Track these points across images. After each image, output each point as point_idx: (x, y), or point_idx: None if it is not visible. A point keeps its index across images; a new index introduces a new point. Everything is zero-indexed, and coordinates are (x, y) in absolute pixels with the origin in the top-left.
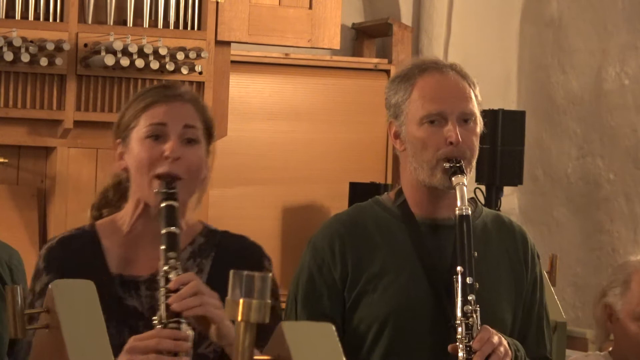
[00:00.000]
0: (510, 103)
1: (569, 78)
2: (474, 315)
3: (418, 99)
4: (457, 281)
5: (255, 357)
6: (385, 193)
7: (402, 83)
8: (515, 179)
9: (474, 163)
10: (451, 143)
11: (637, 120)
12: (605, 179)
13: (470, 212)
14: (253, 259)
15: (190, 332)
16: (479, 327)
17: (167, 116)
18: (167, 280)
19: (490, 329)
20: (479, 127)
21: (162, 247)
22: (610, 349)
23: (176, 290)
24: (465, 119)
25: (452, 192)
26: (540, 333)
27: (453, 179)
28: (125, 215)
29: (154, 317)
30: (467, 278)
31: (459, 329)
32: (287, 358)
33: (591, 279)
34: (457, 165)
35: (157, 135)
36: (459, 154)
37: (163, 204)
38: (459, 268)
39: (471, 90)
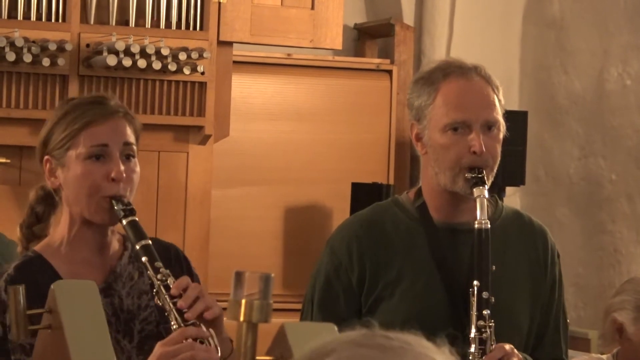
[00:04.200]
0: (512, 103)
1: (571, 78)
2: (488, 331)
3: (442, 106)
4: (472, 295)
5: (258, 358)
6: (405, 192)
7: (425, 86)
8: (517, 180)
9: (495, 169)
10: (475, 152)
11: (639, 121)
12: (607, 179)
13: (489, 226)
14: (180, 257)
15: (211, 330)
16: (493, 342)
17: (108, 136)
18: (167, 288)
19: (504, 346)
20: (502, 132)
21: (144, 258)
22: (614, 351)
23: (179, 295)
24: (489, 126)
25: (472, 197)
26: (556, 335)
27: (474, 190)
28: (61, 233)
29: (172, 322)
30: (483, 293)
31: (472, 345)
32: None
33: (593, 280)
34: (479, 176)
35: (98, 155)
36: (481, 163)
37: (125, 222)
38: (475, 282)
39: (495, 96)
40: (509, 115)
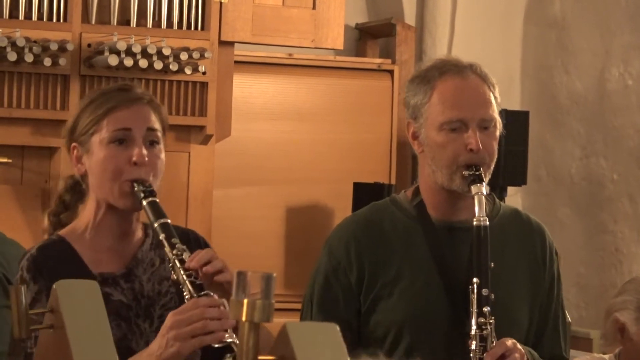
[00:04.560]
0: (513, 103)
1: (572, 78)
2: (489, 328)
3: (438, 104)
4: (472, 292)
5: (260, 357)
6: (403, 191)
7: (421, 85)
8: (519, 179)
9: (492, 166)
10: (471, 150)
11: None
12: (608, 179)
13: (488, 222)
14: (199, 241)
15: (223, 300)
16: (494, 339)
17: (131, 121)
18: (182, 261)
19: (506, 342)
20: (499, 130)
21: (162, 236)
22: (617, 351)
23: (195, 272)
24: (486, 124)
25: (470, 195)
26: (556, 332)
27: (472, 187)
28: (86, 218)
29: (185, 293)
30: (483, 290)
31: (473, 342)
32: (291, 358)
33: (595, 279)
34: (477, 173)
35: (121, 140)
36: (478, 161)
37: (145, 202)
38: (475, 280)
39: (491, 94)
40: (510, 115)
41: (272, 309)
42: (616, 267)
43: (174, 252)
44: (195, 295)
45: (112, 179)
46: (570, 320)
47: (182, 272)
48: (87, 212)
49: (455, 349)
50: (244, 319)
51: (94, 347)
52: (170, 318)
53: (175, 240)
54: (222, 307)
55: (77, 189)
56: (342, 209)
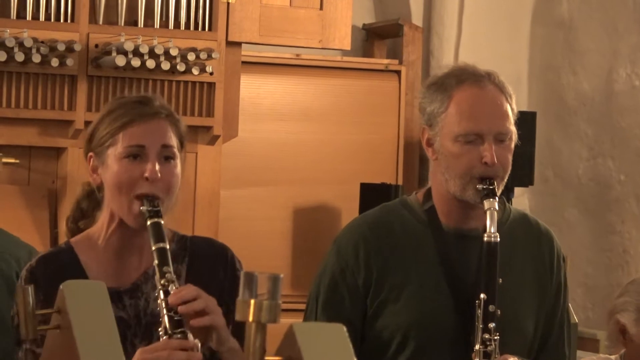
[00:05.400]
0: (520, 104)
1: (579, 79)
2: (494, 344)
3: (455, 114)
4: (479, 307)
5: (266, 358)
6: (414, 193)
7: (438, 93)
8: (526, 180)
9: (505, 179)
10: (486, 163)
11: None
12: (616, 180)
13: (498, 239)
14: (226, 261)
15: (197, 341)
16: (497, 356)
17: (146, 137)
18: (167, 293)
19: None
20: (514, 141)
21: (155, 262)
22: (622, 352)
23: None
24: (502, 139)
25: (482, 208)
26: (560, 338)
27: (485, 202)
28: (100, 229)
29: (159, 329)
30: (490, 306)
31: (476, 359)
32: (298, 359)
33: (602, 280)
34: (490, 187)
35: (135, 155)
36: (493, 174)
37: (149, 222)
38: (482, 295)
39: (508, 105)
40: (518, 115)
41: (279, 310)
42: (623, 267)
43: (162, 281)
44: (169, 332)
45: (123, 194)
46: (577, 321)
47: (163, 305)
48: (100, 222)
49: (460, 355)
50: (250, 319)
51: (100, 347)
52: (138, 355)
53: (167, 268)
54: (194, 351)
55: (94, 196)
56: (349, 209)
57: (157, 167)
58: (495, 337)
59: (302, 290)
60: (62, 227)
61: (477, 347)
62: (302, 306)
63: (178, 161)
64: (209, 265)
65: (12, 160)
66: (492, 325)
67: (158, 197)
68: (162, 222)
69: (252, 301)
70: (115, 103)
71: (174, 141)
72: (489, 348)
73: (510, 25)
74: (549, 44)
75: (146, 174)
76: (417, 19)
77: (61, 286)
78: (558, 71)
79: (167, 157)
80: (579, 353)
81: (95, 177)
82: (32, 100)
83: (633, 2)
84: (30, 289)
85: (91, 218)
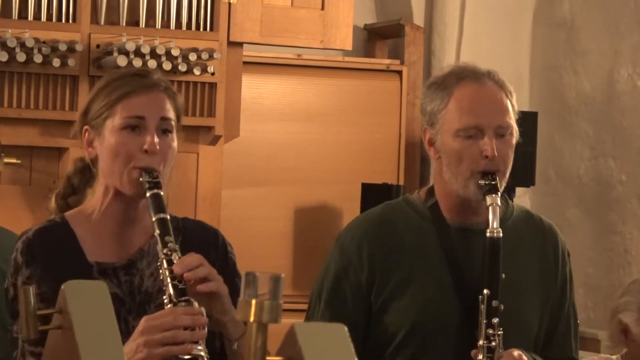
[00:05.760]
0: (522, 104)
1: (581, 79)
2: (497, 339)
3: (455, 110)
4: (482, 303)
5: (268, 358)
6: (416, 191)
7: (438, 91)
8: (527, 180)
9: (507, 174)
10: (487, 157)
11: None
12: (617, 180)
13: (501, 235)
14: (217, 243)
15: (202, 309)
16: (501, 350)
17: (145, 109)
18: (170, 262)
19: (512, 353)
20: (515, 138)
21: (157, 232)
22: (623, 352)
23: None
24: (502, 133)
25: (484, 203)
26: (567, 333)
27: (487, 198)
28: (94, 203)
29: (163, 297)
30: (493, 301)
31: (480, 354)
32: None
33: (603, 280)
34: (492, 183)
35: (133, 127)
36: (494, 168)
37: (149, 193)
38: (485, 291)
39: (508, 101)
40: (518, 115)
41: (280, 310)
42: (624, 268)
43: (165, 251)
44: (174, 299)
45: (122, 165)
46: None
47: (167, 273)
48: (95, 197)
49: (464, 351)
50: (252, 319)
51: (102, 348)
52: (142, 322)
53: (169, 238)
54: (199, 316)
55: (86, 172)
56: (350, 209)
57: (156, 139)
58: (499, 332)
59: (303, 290)
60: (52, 203)
61: (480, 342)
62: (304, 306)
63: (175, 135)
64: (201, 246)
65: (14, 161)
66: (495, 320)
67: (157, 170)
68: (162, 193)
69: (254, 301)
70: (113, 76)
71: (172, 114)
72: (492, 343)
73: (511, 25)
74: (551, 44)
75: (145, 147)
76: (418, 19)
77: (63, 286)
78: (559, 71)
79: (165, 129)
80: (580, 353)
81: (91, 150)
82: (33, 101)
83: (634, 2)
84: (31, 289)
85: (81, 195)
